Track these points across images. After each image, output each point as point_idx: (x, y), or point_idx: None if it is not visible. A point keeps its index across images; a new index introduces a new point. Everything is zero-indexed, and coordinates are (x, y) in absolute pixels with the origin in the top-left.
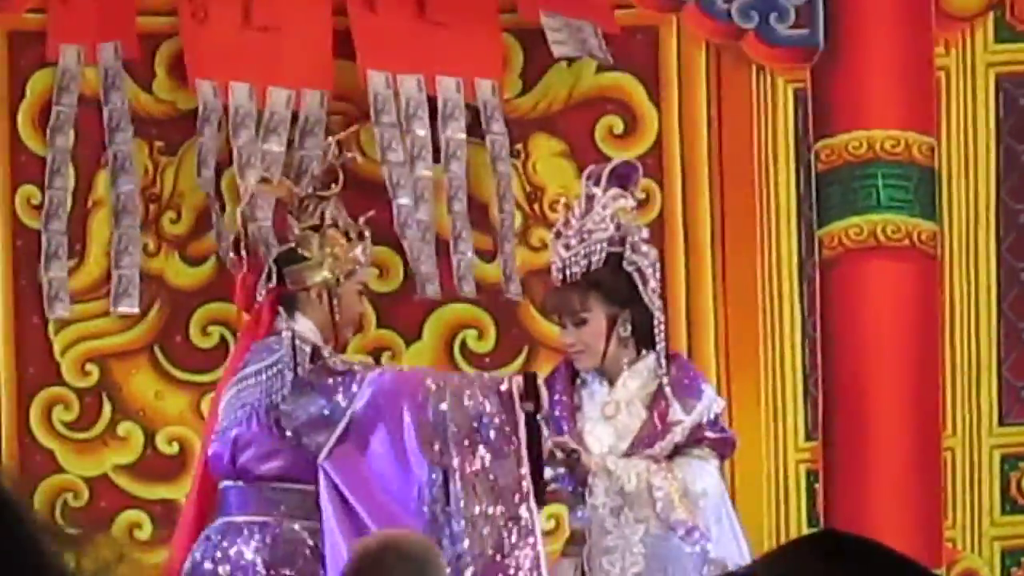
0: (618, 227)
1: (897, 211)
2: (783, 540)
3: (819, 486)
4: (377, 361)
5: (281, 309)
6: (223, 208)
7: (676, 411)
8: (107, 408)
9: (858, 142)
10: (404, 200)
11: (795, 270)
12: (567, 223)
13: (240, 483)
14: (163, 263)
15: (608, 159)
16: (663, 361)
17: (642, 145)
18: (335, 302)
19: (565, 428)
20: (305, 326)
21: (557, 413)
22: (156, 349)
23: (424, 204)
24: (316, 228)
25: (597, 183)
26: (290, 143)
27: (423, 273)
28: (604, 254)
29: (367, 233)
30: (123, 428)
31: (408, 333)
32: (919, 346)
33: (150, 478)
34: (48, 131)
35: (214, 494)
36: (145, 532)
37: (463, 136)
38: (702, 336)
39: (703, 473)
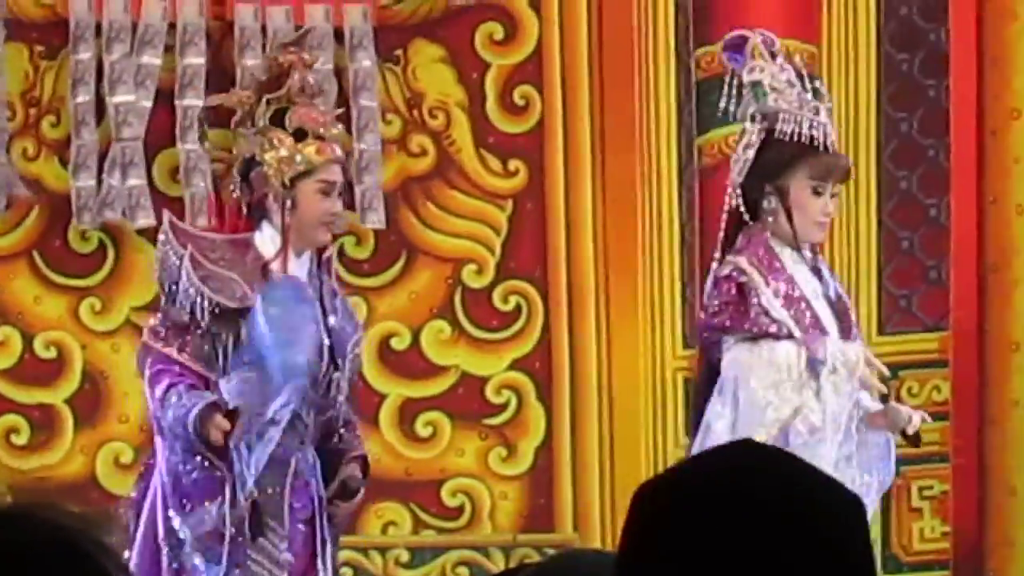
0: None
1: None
2: (660, 447)
3: None
4: None
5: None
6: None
7: None
8: None
9: None
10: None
11: (674, 177)
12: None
13: None
14: (42, 167)
15: (488, 65)
16: None
17: (522, 51)
18: (288, 204)
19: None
20: (267, 234)
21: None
22: (35, 254)
23: None
24: (260, 132)
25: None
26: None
27: None
28: None
29: (332, 131)
30: (1, 332)
31: None
32: None
33: (28, 382)
34: None
35: None
36: (23, 437)
37: (330, 67)
38: (581, 242)
39: None
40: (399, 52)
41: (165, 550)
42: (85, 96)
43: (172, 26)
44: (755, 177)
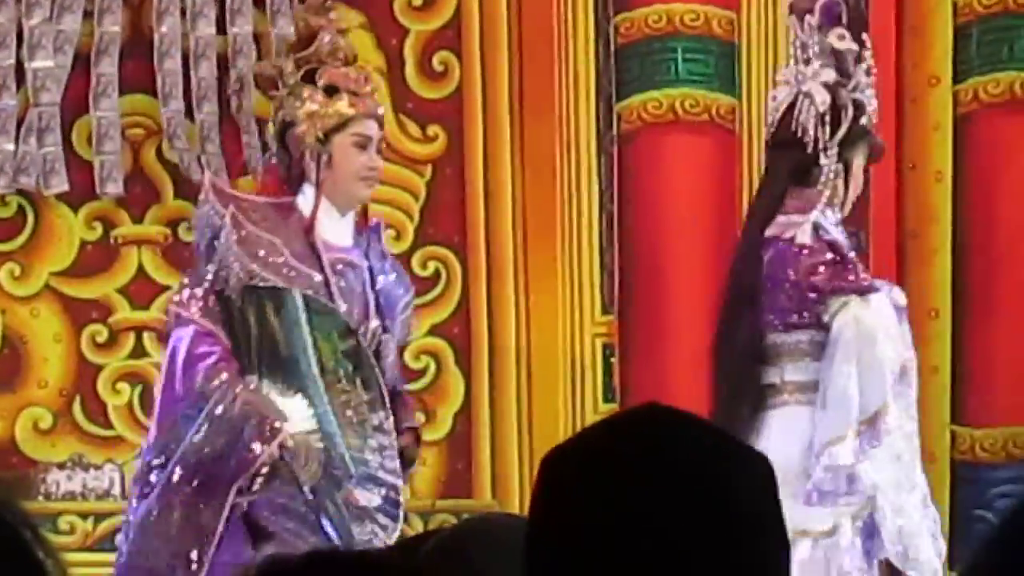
0: None
1: (696, 85)
2: (579, 413)
3: (615, 360)
4: (174, 233)
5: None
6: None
7: None
8: None
9: (657, 16)
10: (174, 105)
11: (593, 143)
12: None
13: None
14: None
15: (407, 31)
16: None
17: (441, 17)
18: (323, 160)
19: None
20: (308, 195)
21: None
22: None
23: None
24: (291, 92)
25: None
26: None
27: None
28: None
29: (366, 88)
30: None
31: None
32: (716, 220)
33: None
34: None
35: None
36: None
37: (212, 31)
38: (499, 208)
39: None
40: None
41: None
42: (6, 60)
43: None
44: (824, 143)
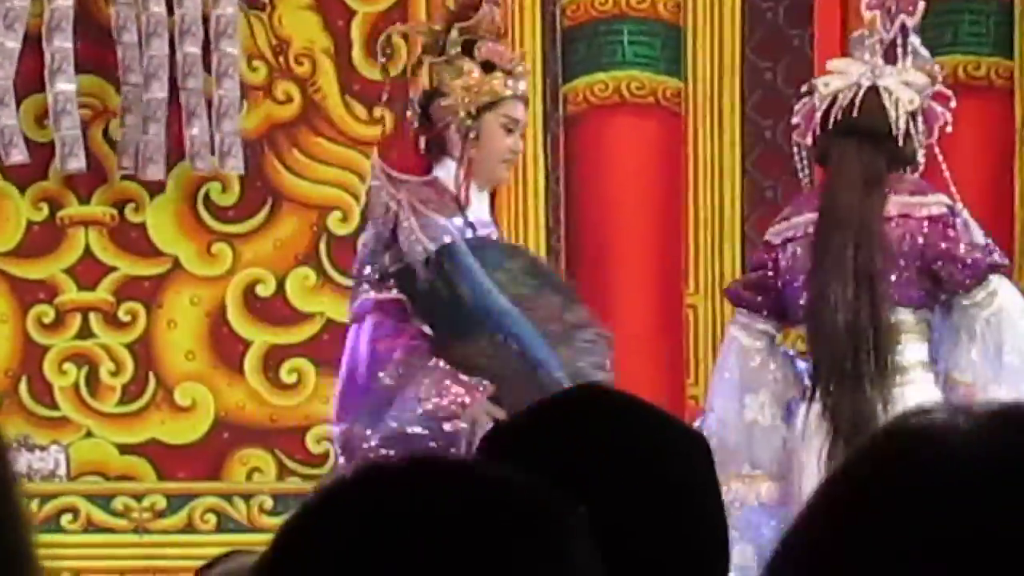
0: None
1: (642, 68)
2: None
3: None
4: (121, 214)
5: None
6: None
7: None
8: None
9: None
10: (133, 80)
11: (540, 125)
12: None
13: None
14: None
15: (354, 13)
16: None
17: None
18: (471, 136)
19: None
20: (449, 168)
21: None
22: None
23: (157, 82)
24: (449, 61)
25: None
26: None
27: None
28: None
29: (519, 69)
30: None
31: (151, 186)
32: (663, 203)
33: None
34: None
35: None
36: None
37: (198, 12)
38: None
39: None
40: None
41: None
42: None
43: None
44: (918, 140)
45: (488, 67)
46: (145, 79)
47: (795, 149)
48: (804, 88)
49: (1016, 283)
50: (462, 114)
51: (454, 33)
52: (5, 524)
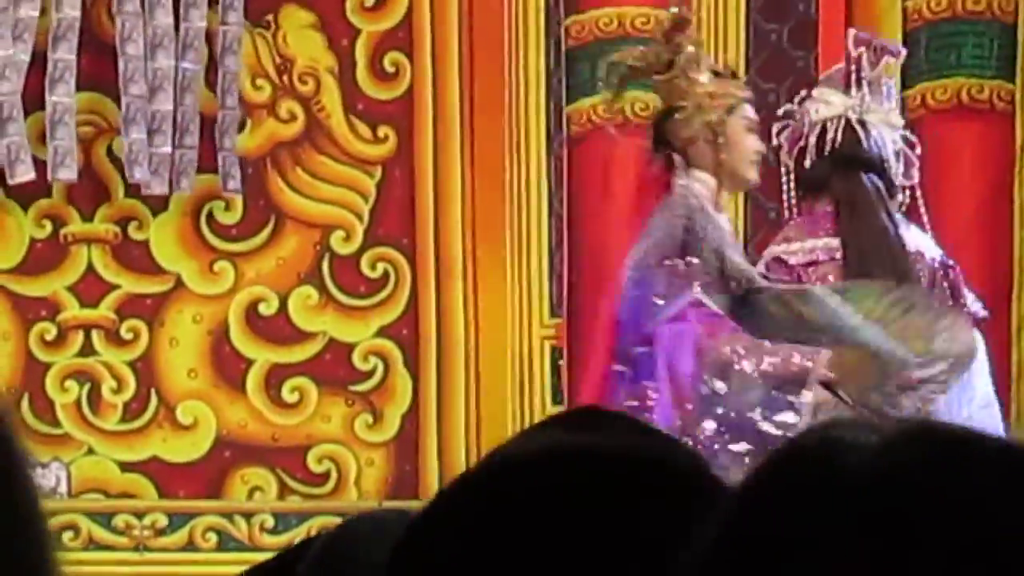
0: None
1: (646, 88)
2: (526, 415)
3: (563, 363)
4: (124, 231)
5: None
6: None
7: None
8: None
9: (608, 18)
10: (136, 91)
11: (543, 146)
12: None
13: None
14: None
15: (358, 31)
16: None
17: (392, 18)
18: (721, 141)
19: None
20: (700, 179)
21: None
22: None
23: (163, 93)
24: (675, 77)
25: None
26: None
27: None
28: None
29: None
30: None
31: (154, 202)
32: None
33: None
34: None
35: None
36: None
37: (203, 25)
38: (449, 210)
39: None
40: (270, 17)
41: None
42: None
43: None
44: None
45: (716, 74)
46: (151, 91)
47: (782, 170)
48: (782, 111)
49: (1015, 307)
50: (713, 118)
51: (684, 45)
52: (32, 545)
